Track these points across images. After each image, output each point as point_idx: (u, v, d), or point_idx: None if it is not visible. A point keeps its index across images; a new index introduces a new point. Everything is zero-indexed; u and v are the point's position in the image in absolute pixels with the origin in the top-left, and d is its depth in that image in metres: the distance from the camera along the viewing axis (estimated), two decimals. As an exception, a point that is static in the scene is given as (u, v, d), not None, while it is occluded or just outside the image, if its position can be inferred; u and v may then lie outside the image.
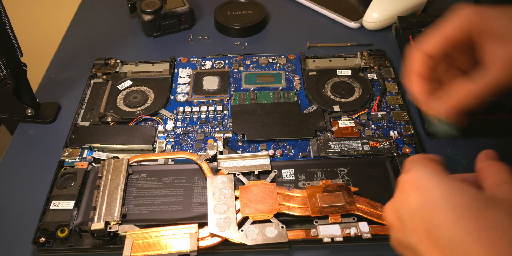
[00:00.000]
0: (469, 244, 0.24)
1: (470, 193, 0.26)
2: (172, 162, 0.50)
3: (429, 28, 0.35)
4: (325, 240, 0.40)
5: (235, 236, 0.41)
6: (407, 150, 0.50)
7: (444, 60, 0.36)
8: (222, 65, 0.61)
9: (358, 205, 0.42)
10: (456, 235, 0.24)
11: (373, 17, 0.66)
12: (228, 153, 0.48)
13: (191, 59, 0.62)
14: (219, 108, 0.55)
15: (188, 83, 0.59)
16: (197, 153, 0.49)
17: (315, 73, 0.59)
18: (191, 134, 0.53)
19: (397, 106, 0.55)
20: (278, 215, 0.42)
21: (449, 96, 0.34)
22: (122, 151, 0.51)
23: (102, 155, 0.50)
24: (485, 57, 0.33)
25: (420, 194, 0.27)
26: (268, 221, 0.42)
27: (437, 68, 0.36)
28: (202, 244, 0.41)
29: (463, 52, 0.36)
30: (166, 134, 0.53)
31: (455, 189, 0.26)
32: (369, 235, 0.41)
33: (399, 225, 0.28)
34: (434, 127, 0.37)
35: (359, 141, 0.50)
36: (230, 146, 0.51)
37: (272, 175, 0.46)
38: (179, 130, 0.53)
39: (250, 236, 0.41)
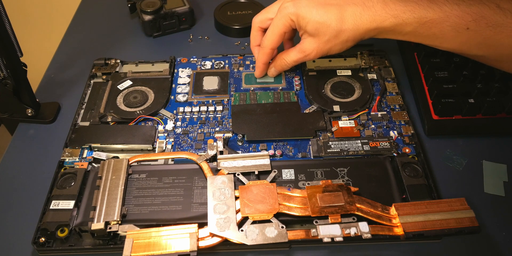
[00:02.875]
0: None
1: None
2: (172, 162, 0.50)
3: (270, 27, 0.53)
4: (325, 240, 0.40)
5: (235, 236, 0.41)
6: (407, 150, 0.50)
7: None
8: (222, 65, 0.61)
9: (358, 205, 0.42)
10: None
11: (373, 17, 0.66)
12: (228, 153, 0.48)
13: (191, 59, 0.62)
14: (219, 108, 0.55)
15: (188, 83, 0.59)
16: (197, 153, 0.49)
17: (315, 73, 0.59)
18: (191, 134, 0.53)
19: (397, 106, 0.55)
20: (278, 215, 0.42)
21: (278, 64, 0.56)
22: (122, 151, 0.51)
23: (102, 155, 0.50)
24: (301, 43, 0.52)
25: None
26: (268, 221, 0.42)
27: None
28: (202, 244, 0.41)
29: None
30: (166, 134, 0.53)
31: None
32: (369, 235, 0.40)
33: None
34: (261, 78, 0.59)
35: (359, 141, 0.50)
36: (230, 146, 0.51)
37: (272, 175, 0.46)
38: (179, 130, 0.53)
39: (250, 236, 0.41)
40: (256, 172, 0.46)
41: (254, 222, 0.42)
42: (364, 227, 0.41)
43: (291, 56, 0.53)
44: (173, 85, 0.59)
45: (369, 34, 0.48)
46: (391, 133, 0.52)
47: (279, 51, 0.56)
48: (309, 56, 0.51)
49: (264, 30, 0.56)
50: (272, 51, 0.55)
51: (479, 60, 0.49)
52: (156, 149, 0.51)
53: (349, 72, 0.58)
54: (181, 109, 0.55)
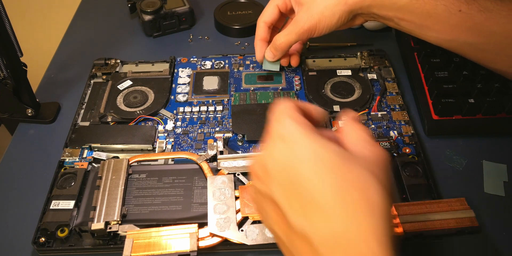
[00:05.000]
0: (328, 194, 0.25)
1: (332, 149, 0.27)
2: (172, 162, 0.50)
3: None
4: (325, 240, 0.40)
5: (235, 236, 0.41)
6: (407, 150, 0.50)
7: (278, 28, 0.58)
8: (222, 65, 0.61)
9: (358, 205, 0.42)
10: (316, 186, 0.25)
11: (373, 17, 0.66)
12: (228, 153, 0.48)
13: (191, 59, 0.62)
14: (219, 108, 0.55)
15: (188, 83, 0.59)
16: (197, 153, 0.49)
17: (315, 73, 0.59)
18: (191, 134, 0.53)
19: (397, 106, 0.55)
20: (278, 215, 0.42)
21: (271, 44, 0.54)
22: (122, 151, 0.51)
23: (102, 155, 0.50)
24: (296, 17, 0.50)
25: (288, 147, 0.27)
26: (268, 221, 0.42)
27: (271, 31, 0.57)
28: (202, 244, 0.41)
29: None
30: (166, 134, 0.53)
31: (320, 145, 0.27)
32: (369, 235, 0.40)
33: (264, 176, 0.28)
34: (265, 65, 0.58)
35: (359, 141, 0.50)
36: (230, 146, 0.51)
37: (272, 175, 0.46)
38: (179, 130, 0.53)
39: (250, 236, 0.41)
40: (256, 172, 0.46)
41: (254, 222, 0.42)
42: (364, 227, 0.41)
43: (284, 32, 0.51)
44: (173, 85, 0.59)
45: (361, 2, 0.46)
46: (391, 133, 0.52)
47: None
48: (301, 24, 0.49)
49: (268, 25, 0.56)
50: (265, 25, 0.55)
51: (465, 52, 0.48)
52: (156, 149, 0.51)
53: (349, 72, 0.58)
54: (181, 109, 0.55)
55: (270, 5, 0.55)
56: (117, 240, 0.43)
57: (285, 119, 0.29)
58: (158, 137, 0.52)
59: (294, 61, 0.59)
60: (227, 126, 0.53)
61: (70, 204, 0.44)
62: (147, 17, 0.66)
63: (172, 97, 0.57)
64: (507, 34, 0.43)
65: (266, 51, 0.56)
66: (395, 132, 0.52)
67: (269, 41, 0.57)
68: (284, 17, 0.57)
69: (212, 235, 0.41)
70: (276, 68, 0.59)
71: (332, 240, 0.24)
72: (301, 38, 0.51)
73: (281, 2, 0.54)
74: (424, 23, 0.46)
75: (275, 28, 0.58)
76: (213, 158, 0.48)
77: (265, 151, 0.29)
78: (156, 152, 0.51)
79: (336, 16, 0.47)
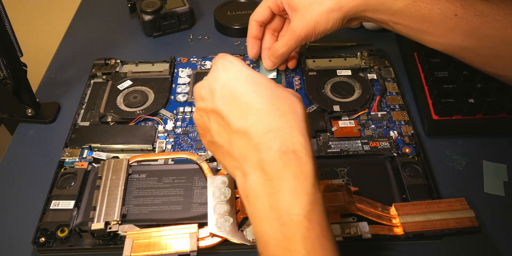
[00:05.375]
0: (263, 103, 0.32)
1: (266, 78, 0.34)
2: (172, 162, 0.50)
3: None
4: (325, 240, 0.40)
5: (235, 236, 0.41)
6: (407, 150, 0.50)
7: (270, 29, 0.57)
8: (222, 65, 0.61)
9: (358, 205, 0.42)
10: (255, 98, 0.32)
11: (373, 17, 0.66)
12: (228, 153, 0.48)
13: (191, 59, 0.62)
14: (219, 108, 0.55)
15: (188, 83, 0.59)
16: (197, 153, 0.49)
17: (315, 73, 0.59)
18: (191, 134, 0.53)
19: (397, 106, 0.55)
20: (278, 215, 0.42)
21: (270, 53, 0.55)
22: (122, 151, 0.51)
23: (102, 155, 0.50)
24: (292, 24, 0.50)
25: (230, 72, 0.34)
26: (268, 221, 0.42)
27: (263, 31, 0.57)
28: (202, 244, 0.41)
29: (282, 21, 0.57)
30: (166, 134, 0.53)
31: (257, 74, 0.34)
32: (369, 235, 0.40)
33: (209, 95, 0.34)
34: (261, 72, 0.58)
35: (359, 141, 0.50)
36: (230, 146, 0.51)
37: (272, 175, 0.46)
38: (179, 130, 0.53)
39: (250, 236, 0.41)
40: (256, 172, 0.46)
41: (254, 222, 0.42)
42: (364, 227, 0.41)
43: (280, 40, 0.53)
44: (173, 85, 0.59)
45: (357, 7, 0.46)
46: (391, 133, 0.52)
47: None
48: (298, 33, 0.50)
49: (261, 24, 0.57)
50: (257, 24, 0.55)
51: (460, 55, 0.48)
52: (156, 149, 0.51)
53: (349, 72, 0.58)
54: (181, 109, 0.55)
55: (262, 6, 0.55)
56: (117, 240, 0.43)
57: (228, 56, 0.37)
58: (158, 137, 0.52)
59: (292, 64, 0.59)
60: (227, 126, 0.53)
61: (70, 204, 0.44)
62: (147, 17, 0.66)
63: (172, 97, 0.57)
64: (503, 38, 0.43)
65: (265, 61, 0.57)
66: (395, 132, 0.52)
67: (261, 39, 0.58)
68: (276, 17, 0.57)
69: (212, 235, 0.41)
70: (273, 75, 0.59)
71: (267, 133, 0.30)
72: (299, 45, 0.52)
73: (273, 4, 0.53)
74: (420, 27, 0.46)
75: (271, 29, 0.58)
76: (213, 158, 0.48)
77: (209, 77, 0.36)
78: (156, 152, 0.51)
79: (330, 23, 0.48)
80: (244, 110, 0.32)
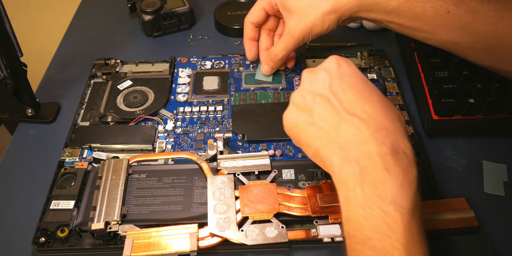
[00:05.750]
0: (376, 104, 0.34)
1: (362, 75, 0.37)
2: (172, 162, 0.50)
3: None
4: (325, 240, 0.40)
5: (235, 236, 0.41)
6: (407, 150, 0.50)
7: (266, 29, 0.57)
8: (222, 65, 0.61)
9: (358, 205, 0.42)
10: (370, 97, 0.34)
11: (373, 17, 0.66)
12: (228, 153, 0.48)
13: (191, 59, 0.62)
14: (219, 108, 0.55)
15: (188, 83, 0.59)
16: (197, 153, 0.49)
17: (315, 73, 0.59)
18: (191, 134, 0.53)
19: (397, 106, 0.55)
20: (278, 215, 0.42)
21: (268, 57, 0.56)
22: (122, 151, 0.51)
23: (102, 155, 0.50)
24: (287, 27, 0.51)
25: (351, 69, 0.36)
26: (268, 221, 0.42)
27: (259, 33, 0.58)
28: (202, 244, 0.41)
29: (277, 21, 0.57)
30: (166, 134, 0.53)
31: (369, 80, 0.36)
32: (369, 235, 0.40)
33: (322, 81, 0.36)
34: (257, 76, 0.59)
35: (359, 141, 0.50)
36: (230, 146, 0.51)
37: (272, 175, 0.46)
38: (179, 130, 0.53)
39: (250, 236, 0.41)
40: (256, 172, 0.46)
41: (254, 222, 0.42)
42: (364, 227, 0.41)
43: (278, 44, 0.53)
44: (173, 85, 0.59)
45: (351, 8, 0.47)
46: (391, 133, 0.52)
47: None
48: (296, 36, 0.50)
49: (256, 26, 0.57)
50: (252, 25, 0.56)
51: (453, 50, 0.49)
52: (156, 149, 0.51)
53: (349, 72, 0.58)
54: (181, 109, 0.55)
55: (256, 7, 0.55)
56: (117, 240, 0.43)
57: (342, 58, 0.38)
58: (158, 137, 0.52)
59: (291, 64, 0.60)
60: (227, 126, 0.53)
61: (70, 204, 0.44)
62: (147, 17, 0.66)
63: (172, 97, 0.57)
64: (494, 34, 0.44)
65: (263, 66, 0.57)
66: (395, 132, 0.52)
67: (257, 40, 0.58)
68: (271, 17, 0.57)
69: (212, 235, 0.41)
70: (269, 78, 0.59)
71: (380, 130, 0.31)
72: (297, 47, 0.53)
73: (267, 5, 0.54)
74: (413, 25, 0.47)
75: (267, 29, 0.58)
76: (213, 158, 0.48)
77: (326, 65, 0.37)
78: (156, 152, 0.51)
79: (326, 24, 0.49)
80: (359, 103, 0.33)
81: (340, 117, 0.33)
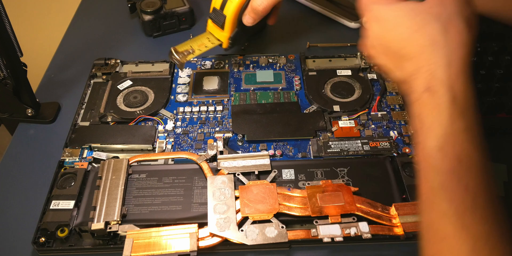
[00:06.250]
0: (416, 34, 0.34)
1: (411, 6, 0.35)
2: (172, 162, 0.50)
3: None
4: (325, 240, 0.40)
5: (235, 236, 0.41)
6: (407, 150, 0.50)
7: None
8: (222, 65, 0.61)
9: (358, 205, 0.42)
10: (408, 34, 0.34)
11: (373, 17, 0.66)
12: (228, 153, 0.48)
13: (191, 59, 0.62)
14: (219, 108, 0.55)
15: (188, 83, 0.59)
16: (197, 153, 0.49)
17: (315, 73, 0.59)
18: (191, 134, 0.53)
19: (397, 106, 0.55)
20: (278, 215, 0.42)
21: (250, 9, 0.53)
22: (122, 151, 0.51)
23: (102, 155, 0.50)
24: None
25: (381, 23, 0.36)
26: (268, 221, 0.42)
27: None
28: (202, 244, 0.41)
29: None
30: (166, 134, 0.53)
31: (402, 8, 0.35)
32: (369, 235, 0.40)
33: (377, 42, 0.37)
34: (259, 77, 0.58)
35: (359, 141, 0.50)
36: (230, 146, 0.51)
37: (272, 175, 0.46)
38: (179, 130, 0.53)
39: (250, 236, 0.41)
40: (256, 172, 0.46)
41: (254, 222, 0.42)
42: (364, 227, 0.41)
43: None
44: (173, 85, 0.59)
45: None
46: (391, 133, 0.52)
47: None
48: None
49: None
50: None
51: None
52: (156, 149, 0.51)
53: (349, 72, 0.58)
54: (181, 109, 0.55)
55: None
56: (117, 240, 0.43)
57: (372, 5, 0.37)
58: (158, 137, 0.52)
59: (272, 20, 0.58)
60: (227, 126, 0.53)
61: (70, 204, 0.44)
62: (147, 17, 0.66)
63: (172, 97, 0.57)
64: None
65: (245, 17, 0.54)
66: (395, 132, 0.52)
67: None
68: None
69: (212, 235, 0.41)
70: (270, 78, 0.59)
71: (434, 63, 0.32)
72: (277, 1, 0.51)
73: None
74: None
75: None
76: (213, 158, 0.48)
77: (371, 33, 0.37)
78: (156, 152, 0.51)
79: None
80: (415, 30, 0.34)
81: (401, 59, 0.34)
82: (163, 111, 0.55)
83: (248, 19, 0.55)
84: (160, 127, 0.53)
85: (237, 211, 0.42)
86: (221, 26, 0.54)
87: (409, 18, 0.34)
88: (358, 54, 0.61)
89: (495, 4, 0.46)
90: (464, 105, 0.29)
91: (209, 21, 0.55)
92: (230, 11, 0.53)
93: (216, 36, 0.57)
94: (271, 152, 0.50)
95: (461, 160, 0.27)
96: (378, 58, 0.37)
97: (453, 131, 0.28)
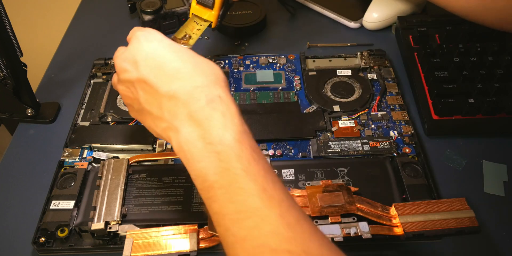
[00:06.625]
0: (189, 67, 0.35)
1: (187, 49, 0.37)
2: (172, 162, 0.50)
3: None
4: (325, 240, 0.40)
5: (235, 236, 0.41)
6: (407, 150, 0.50)
7: None
8: (222, 65, 0.61)
9: (358, 205, 0.42)
10: (180, 64, 0.35)
11: (373, 17, 0.66)
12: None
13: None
14: (219, 108, 0.55)
15: (188, 83, 0.59)
16: (197, 153, 0.49)
17: (315, 73, 0.59)
18: (191, 134, 0.53)
19: (397, 106, 0.55)
20: (278, 215, 0.42)
21: None
22: (122, 151, 0.51)
23: (102, 155, 0.50)
24: None
25: (154, 43, 0.36)
26: (268, 221, 0.42)
27: None
28: (202, 244, 0.41)
29: None
30: (166, 134, 0.52)
31: (176, 44, 0.37)
32: (369, 235, 0.40)
33: (132, 66, 0.36)
34: (258, 77, 0.58)
35: (359, 141, 0.50)
36: (230, 146, 0.51)
37: (272, 175, 0.46)
38: (179, 130, 0.53)
39: (250, 236, 0.41)
40: (256, 172, 0.46)
41: (254, 222, 0.42)
42: (364, 227, 0.41)
43: None
44: (173, 85, 0.58)
45: None
46: (391, 133, 0.52)
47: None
48: None
49: None
50: None
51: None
52: (156, 149, 0.51)
53: (349, 72, 0.58)
54: (181, 109, 0.55)
55: None
56: (117, 240, 0.43)
57: (147, 28, 0.39)
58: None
59: None
60: (227, 126, 0.53)
61: (70, 204, 0.44)
62: (147, 17, 0.66)
63: (172, 97, 0.57)
64: None
65: None
66: (395, 132, 0.52)
67: None
68: None
69: (212, 235, 0.41)
70: (270, 78, 0.59)
71: (195, 89, 0.33)
72: None
73: None
74: None
75: None
76: (213, 158, 0.48)
77: (130, 49, 0.37)
78: (156, 152, 0.51)
79: None
80: (172, 75, 0.34)
81: (160, 95, 0.34)
82: (163, 111, 0.55)
83: None
84: (160, 127, 0.53)
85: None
86: (212, 5, 0.53)
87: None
88: (358, 54, 0.61)
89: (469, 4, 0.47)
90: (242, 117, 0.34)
91: (193, 4, 0.54)
92: None
93: (203, 17, 0.55)
94: (271, 152, 0.50)
95: (254, 149, 0.32)
96: (136, 72, 0.37)
97: (244, 130, 0.33)
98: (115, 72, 0.40)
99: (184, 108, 0.33)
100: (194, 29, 0.54)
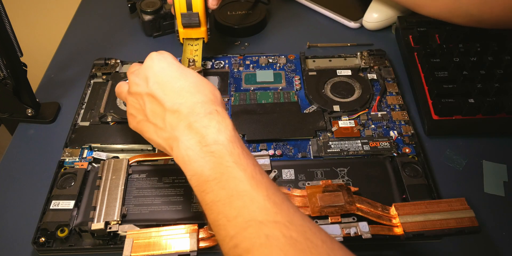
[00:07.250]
0: (191, 86, 0.39)
1: (191, 70, 0.41)
2: (172, 162, 0.50)
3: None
4: (325, 240, 0.40)
5: (235, 236, 0.41)
6: (407, 150, 0.50)
7: None
8: (222, 65, 0.61)
9: (358, 205, 0.42)
10: (184, 83, 0.39)
11: (373, 17, 0.66)
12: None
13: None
14: (219, 108, 0.55)
15: (188, 83, 0.59)
16: (197, 153, 0.49)
17: (315, 73, 0.59)
18: (191, 134, 0.53)
19: (397, 106, 0.55)
20: (278, 215, 0.42)
21: None
22: (122, 151, 0.51)
23: (102, 155, 0.50)
24: None
25: (163, 63, 0.41)
26: (268, 221, 0.42)
27: None
28: (202, 244, 0.41)
29: None
30: (166, 134, 0.52)
31: (183, 66, 0.41)
32: (369, 235, 0.40)
33: (143, 81, 0.41)
34: (258, 77, 0.59)
35: (359, 141, 0.50)
36: (230, 146, 0.51)
37: (272, 175, 0.46)
38: (179, 130, 0.53)
39: (250, 236, 0.41)
40: (256, 172, 0.46)
41: (254, 222, 0.42)
42: (364, 227, 0.41)
43: None
44: (173, 85, 0.58)
45: None
46: (391, 133, 0.52)
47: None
48: None
49: None
50: None
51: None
52: (156, 149, 0.51)
53: (349, 72, 0.58)
54: (181, 109, 0.55)
55: None
56: (117, 240, 0.43)
57: (163, 52, 0.42)
58: (158, 137, 0.52)
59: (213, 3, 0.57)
60: (227, 126, 0.53)
61: (70, 204, 0.44)
62: (147, 17, 0.66)
63: (172, 97, 0.57)
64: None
65: (209, 2, 0.55)
66: (395, 132, 0.52)
67: None
68: None
69: (212, 235, 0.41)
70: (270, 78, 0.59)
71: (195, 104, 0.37)
72: None
73: None
74: None
75: None
76: (213, 158, 0.48)
77: (144, 67, 0.41)
78: (156, 152, 0.51)
79: None
80: (177, 92, 0.38)
81: (165, 109, 0.38)
82: (163, 111, 0.55)
83: (212, 2, 0.56)
84: (160, 127, 0.53)
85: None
86: (199, 24, 0.56)
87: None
88: (358, 54, 0.61)
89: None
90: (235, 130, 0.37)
91: (181, 30, 0.57)
92: (199, 5, 0.55)
93: (194, 37, 0.58)
94: (271, 152, 0.50)
95: (244, 149, 0.36)
96: (145, 86, 0.41)
97: (236, 135, 0.36)
98: (119, 80, 0.42)
99: (185, 120, 0.37)
100: (193, 52, 0.57)
